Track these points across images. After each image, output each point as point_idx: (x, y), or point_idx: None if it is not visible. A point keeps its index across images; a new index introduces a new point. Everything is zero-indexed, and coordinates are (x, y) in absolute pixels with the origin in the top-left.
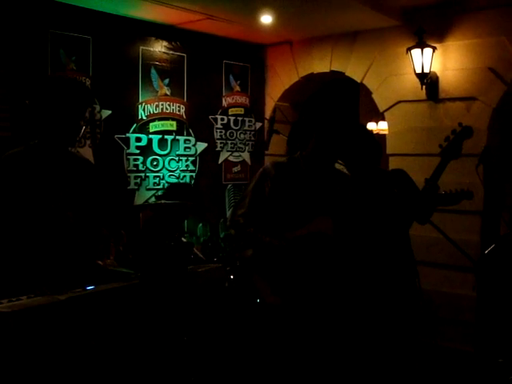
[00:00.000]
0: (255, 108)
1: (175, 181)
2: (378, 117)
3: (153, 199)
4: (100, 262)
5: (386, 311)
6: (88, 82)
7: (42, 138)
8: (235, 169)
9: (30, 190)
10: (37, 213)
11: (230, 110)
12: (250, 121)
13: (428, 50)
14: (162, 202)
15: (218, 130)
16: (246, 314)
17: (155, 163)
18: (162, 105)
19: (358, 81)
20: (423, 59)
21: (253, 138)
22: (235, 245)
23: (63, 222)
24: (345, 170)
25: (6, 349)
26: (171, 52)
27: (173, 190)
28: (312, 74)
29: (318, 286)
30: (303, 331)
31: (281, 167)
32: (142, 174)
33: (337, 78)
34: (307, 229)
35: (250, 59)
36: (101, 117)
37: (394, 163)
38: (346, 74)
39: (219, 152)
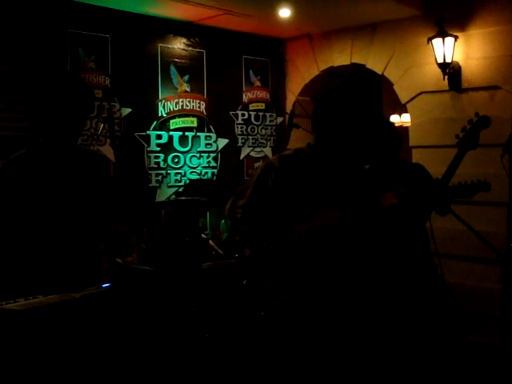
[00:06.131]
0: (276, 103)
1: (197, 177)
2: (402, 109)
3: (174, 196)
4: (119, 260)
5: (399, 304)
6: (107, 81)
7: (45, 136)
8: (257, 164)
9: (38, 192)
10: (46, 214)
11: (250, 105)
12: (271, 116)
13: (449, 40)
14: (183, 198)
15: (239, 126)
16: (255, 310)
17: (176, 160)
18: (182, 101)
19: (379, 73)
20: (445, 49)
21: (274, 133)
22: (232, 238)
23: (74, 221)
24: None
25: (18, 347)
26: (190, 48)
27: (193, 186)
28: (332, 67)
29: (326, 281)
30: (311, 328)
31: (286, 159)
32: (164, 172)
33: (356, 71)
34: (312, 223)
35: (269, 54)
36: (121, 115)
37: (417, 155)
38: (367, 66)
39: (240, 148)
